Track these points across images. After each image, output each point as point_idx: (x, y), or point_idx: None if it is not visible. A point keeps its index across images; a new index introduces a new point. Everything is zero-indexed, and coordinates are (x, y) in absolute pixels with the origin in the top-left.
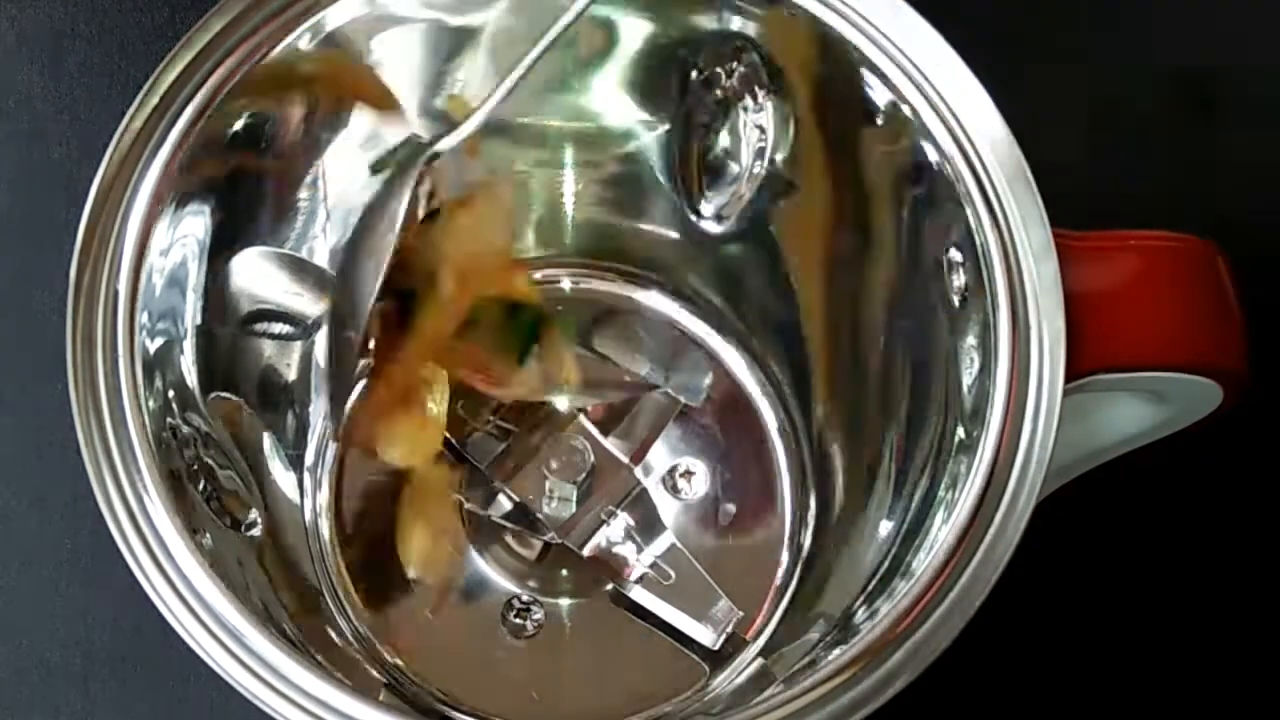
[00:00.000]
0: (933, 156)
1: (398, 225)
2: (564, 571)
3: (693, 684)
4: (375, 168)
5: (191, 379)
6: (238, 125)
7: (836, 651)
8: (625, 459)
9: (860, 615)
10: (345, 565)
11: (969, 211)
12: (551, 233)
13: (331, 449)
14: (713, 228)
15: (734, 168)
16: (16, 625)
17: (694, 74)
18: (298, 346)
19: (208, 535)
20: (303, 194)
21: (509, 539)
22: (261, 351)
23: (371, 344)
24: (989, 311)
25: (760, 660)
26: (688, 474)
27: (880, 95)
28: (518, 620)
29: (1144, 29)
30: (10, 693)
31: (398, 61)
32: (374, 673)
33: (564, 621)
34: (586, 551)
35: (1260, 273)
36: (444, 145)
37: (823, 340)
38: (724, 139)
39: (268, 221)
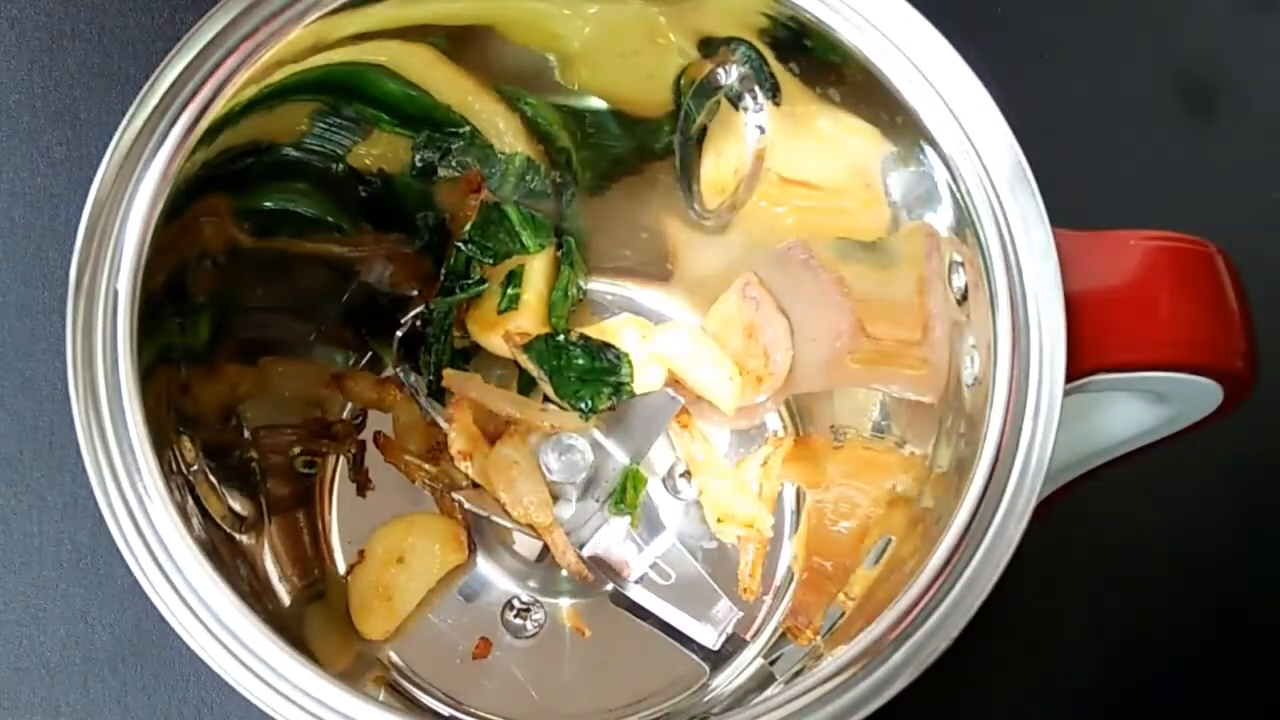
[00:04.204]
0: (933, 157)
1: None
2: (564, 571)
3: (693, 684)
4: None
5: (192, 379)
6: (238, 124)
7: (836, 651)
8: (625, 459)
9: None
10: (346, 566)
11: (969, 211)
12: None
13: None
14: (713, 227)
15: (734, 168)
16: (17, 625)
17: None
18: (301, 345)
19: (208, 535)
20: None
21: (509, 539)
22: (265, 350)
23: None
24: (989, 311)
25: (760, 660)
26: (688, 474)
27: (881, 95)
28: (518, 620)
29: (1144, 29)
30: (10, 693)
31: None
32: (374, 673)
33: (564, 621)
34: (586, 551)
35: (1260, 273)
36: None
37: (822, 339)
38: (724, 139)
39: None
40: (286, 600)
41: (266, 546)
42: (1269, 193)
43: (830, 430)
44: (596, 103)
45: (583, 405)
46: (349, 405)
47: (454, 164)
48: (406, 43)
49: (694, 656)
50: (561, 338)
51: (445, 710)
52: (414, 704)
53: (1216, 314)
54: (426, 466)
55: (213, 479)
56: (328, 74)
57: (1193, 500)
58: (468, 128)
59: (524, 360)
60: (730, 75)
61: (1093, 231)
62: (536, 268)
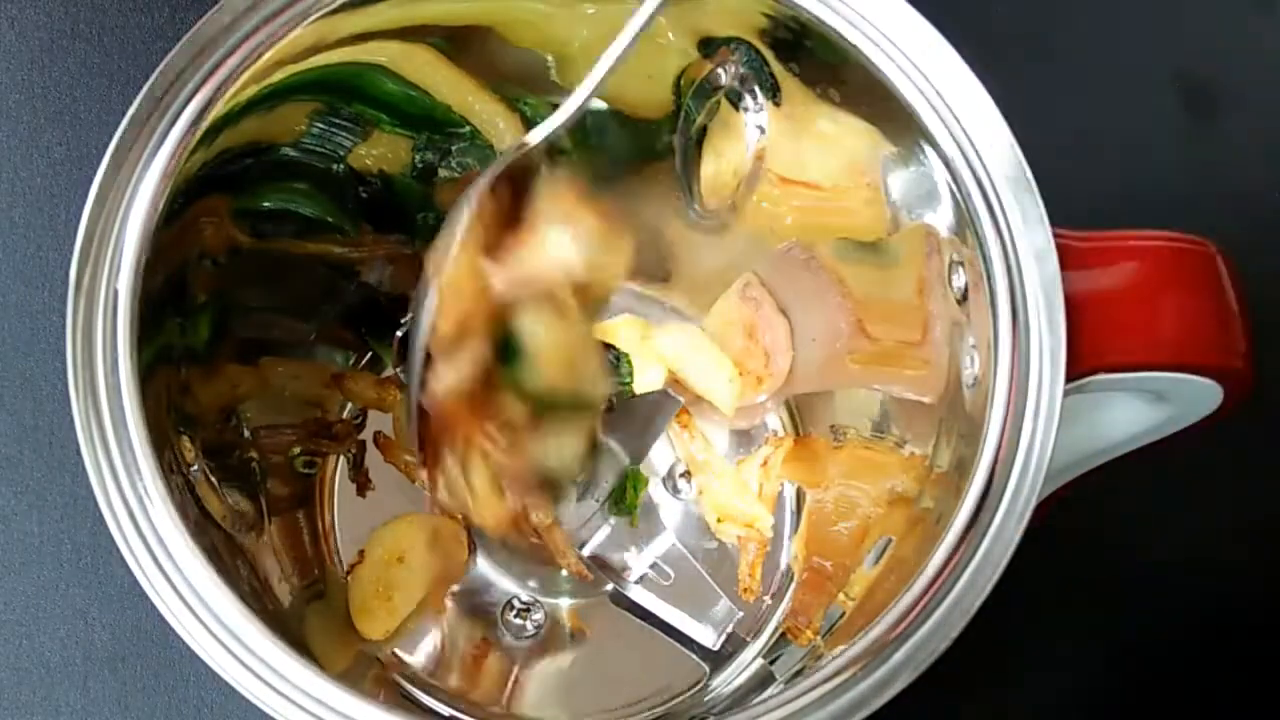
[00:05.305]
0: (933, 157)
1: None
2: (564, 571)
3: (693, 684)
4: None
5: (192, 379)
6: (238, 124)
7: (836, 651)
8: (625, 459)
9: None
10: (346, 566)
11: (969, 211)
12: None
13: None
14: (713, 227)
15: (734, 168)
16: (16, 625)
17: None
18: (301, 345)
19: (208, 535)
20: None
21: (508, 539)
22: (265, 350)
23: None
24: (989, 311)
25: (760, 660)
26: (688, 474)
27: (881, 95)
28: (518, 620)
29: (1144, 29)
30: (10, 693)
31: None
32: (374, 673)
33: (564, 621)
34: (586, 551)
35: (1260, 273)
36: (534, 137)
37: (822, 339)
38: (724, 139)
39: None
40: (286, 600)
41: (266, 546)
42: (1269, 192)
43: (830, 430)
44: (596, 103)
45: None
46: (349, 405)
47: (454, 165)
48: (406, 43)
49: (694, 656)
50: None
51: (445, 710)
52: (414, 704)
53: (1216, 314)
54: None
55: (213, 479)
56: (328, 74)
57: (1194, 500)
58: (468, 128)
59: None
60: (730, 75)
61: (1093, 231)
62: None
